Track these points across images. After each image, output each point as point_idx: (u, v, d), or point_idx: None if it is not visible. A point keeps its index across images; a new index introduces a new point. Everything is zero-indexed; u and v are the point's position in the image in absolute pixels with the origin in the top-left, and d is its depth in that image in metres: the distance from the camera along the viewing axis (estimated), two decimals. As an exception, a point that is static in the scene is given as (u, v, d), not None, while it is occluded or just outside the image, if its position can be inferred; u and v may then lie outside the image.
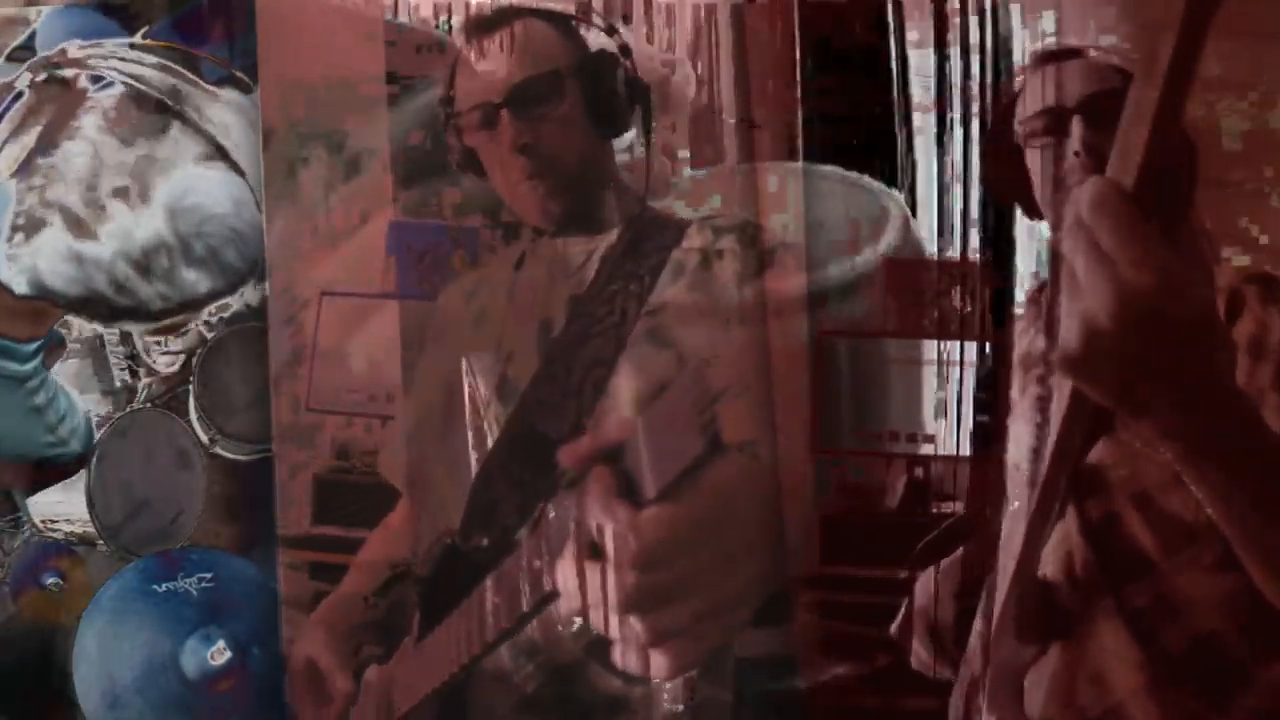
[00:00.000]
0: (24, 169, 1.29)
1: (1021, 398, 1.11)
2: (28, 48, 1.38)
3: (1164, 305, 0.82)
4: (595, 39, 1.25)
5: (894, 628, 1.17)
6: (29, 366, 1.36)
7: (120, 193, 1.28)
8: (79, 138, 1.29)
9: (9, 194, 1.30)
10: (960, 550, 1.14)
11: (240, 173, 1.32)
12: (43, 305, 1.31)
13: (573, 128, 1.25)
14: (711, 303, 1.22)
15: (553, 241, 1.28)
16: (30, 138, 1.30)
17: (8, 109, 1.32)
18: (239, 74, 1.35)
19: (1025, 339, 1.13)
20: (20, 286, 1.30)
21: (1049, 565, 1.07)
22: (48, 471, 1.39)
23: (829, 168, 1.19)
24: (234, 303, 1.34)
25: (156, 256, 1.29)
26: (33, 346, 1.36)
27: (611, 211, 1.26)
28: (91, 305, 1.31)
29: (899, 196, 1.18)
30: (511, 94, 1.24)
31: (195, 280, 1.31)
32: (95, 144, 1.29)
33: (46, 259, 1.29)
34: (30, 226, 1.28)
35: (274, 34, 1.34)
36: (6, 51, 1.38)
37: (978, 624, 1.11)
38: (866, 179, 1.19)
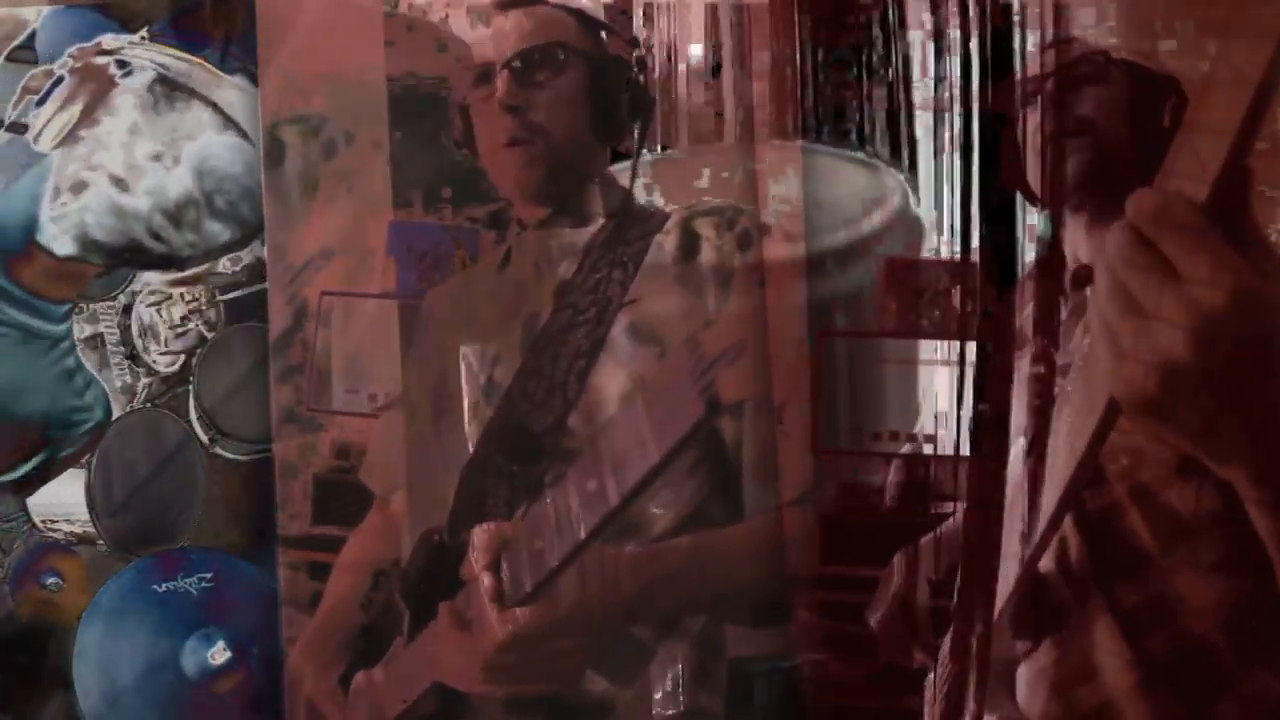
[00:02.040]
0: (68, 141, 1.40)
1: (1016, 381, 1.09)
2: (28, 48, 1.39)
3: (1246, 328, 0.71)
4: (616, 46, 1.27)
5: (873, 618, 1.16)
6: (61, 328, 1.40)
7: (155, 156, 1.39)
8: (117, 113, 1.39)
9: (51, 165, 1.39)
10: (936, 533, 1.14)
11: (250, 140, 1.39)
12: (79, 267, 1.40)
13: (566, 108, 1.26)
14: (693, 283, 1.22)
15: (538, 234, 1.29)
16: (70, 115, 1.40)
17: (50, 91, 1.40)
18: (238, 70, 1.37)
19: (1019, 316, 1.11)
20: (64, 247, 1.39)
21: (1043, 558, 1.05)
22: (69, 436, 1.40)
23: (824, 146, 1.19)
24: (245, 256, 1.39)
25: (186, 210, 1.39)
26: (65, 308, 1.41)
27: (597, 204, 1.27)
28: (130, 254, 1.40)
29: (897, 174, 1.17)
30: (512, 57, 1.26)
31: (218, 231, 1.39)
32: (132, 118, 1.39)
33: (93, 214, 1.39)
34: (76, 187, 1.39)
35: (274, 31, 1.34)
36: (6, 52, 1.39)
37: (957, 619, 1.10)
38: (862, 155, 1.19)
